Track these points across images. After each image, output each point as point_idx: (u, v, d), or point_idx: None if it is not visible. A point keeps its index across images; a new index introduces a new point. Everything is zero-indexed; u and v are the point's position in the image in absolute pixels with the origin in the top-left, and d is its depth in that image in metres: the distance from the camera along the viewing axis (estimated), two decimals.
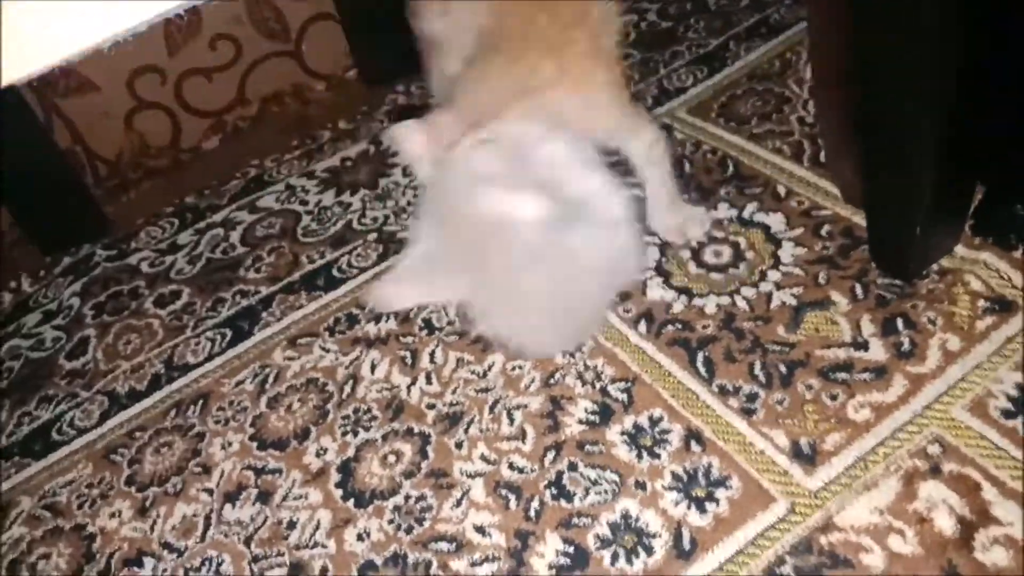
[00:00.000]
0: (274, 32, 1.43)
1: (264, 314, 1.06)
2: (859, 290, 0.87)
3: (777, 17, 1.32)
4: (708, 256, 0.96)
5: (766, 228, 0.97)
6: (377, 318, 1.00)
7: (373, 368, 0.95)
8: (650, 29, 1.39)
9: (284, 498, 0.85)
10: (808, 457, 0.75)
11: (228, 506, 0.86)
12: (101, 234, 1.29)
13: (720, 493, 0.74)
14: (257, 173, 1.33)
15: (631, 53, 1.33)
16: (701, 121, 1.15)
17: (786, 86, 1.17)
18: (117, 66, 1.33)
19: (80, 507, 0.90)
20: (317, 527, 0.81)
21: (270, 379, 0.97)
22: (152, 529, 0.86)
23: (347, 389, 0.93)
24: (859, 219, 0.94)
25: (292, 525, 0.82)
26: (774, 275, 0.91)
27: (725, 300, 0.90)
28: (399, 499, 0.81)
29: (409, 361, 0.95)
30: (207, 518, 0.85)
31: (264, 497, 0.85)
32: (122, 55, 1.31)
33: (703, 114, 1.17)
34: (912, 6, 0.69)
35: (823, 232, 0.94)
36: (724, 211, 1.00)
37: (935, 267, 0.87)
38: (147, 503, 0.89)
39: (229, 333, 1.05)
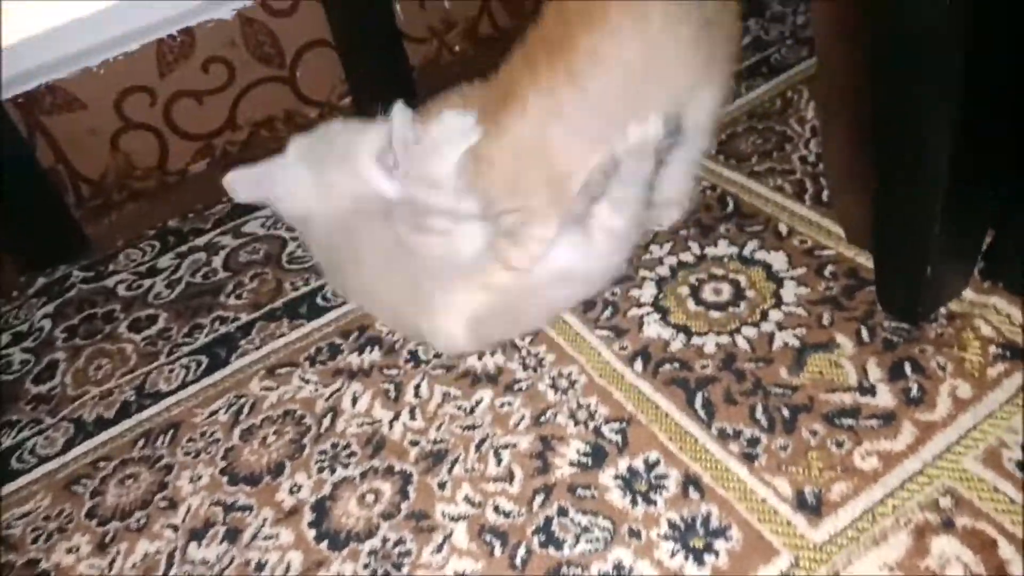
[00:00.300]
0: (268, 57, 1.40)
1: (243, 342, 1.02)
2: (865, 333, 0.83)
3: (778, 56, 1.30)
4: (707, 294, 0.92)
5: (767, 267, 0.93)
6: (361, 348, 0.96)
7: (354, 401, 0.90)
8: None
9: (253, 537, 0.80)
10: (813, 507, 0.70)
11: (194, 544, 0.80)
12: (80, 255, 1.24)
13: (719, 544, 0.69)
14: None
15: None
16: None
17: (787, 125, 1.15)
18: (106, 85, 1.30)
19: (35, 541, 0.85)
20: (287, 570, 0.76)
21: (245, 410, 0.93)
22: (111, 567, 0.80)
23: (326, 422, 0.89)
24: (863, 260, 0.91)
25: (261, 567, 0.77)
26: (776, 315, 0.88)
27: (725, 339, 0.86)
28: (376, 542, 0.76)
29: (392, 394, 0.90)
30: (170, 556, 0.80)
31: (232, 536, 0.80)
32: (111, 74, 1.29)
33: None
34: (930, 45, 0.67)
35: (827, 272, 0.91)
36: (724, 248, 0.97)
37: (943, 311, 0.83)
38: (107, 539, 0.83)
39: (205, 360, 1.00)
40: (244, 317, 1.05)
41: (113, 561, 0.81)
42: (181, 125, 1.37)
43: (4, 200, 1.19)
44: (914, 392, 0.77)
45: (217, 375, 0.98)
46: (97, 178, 1.34)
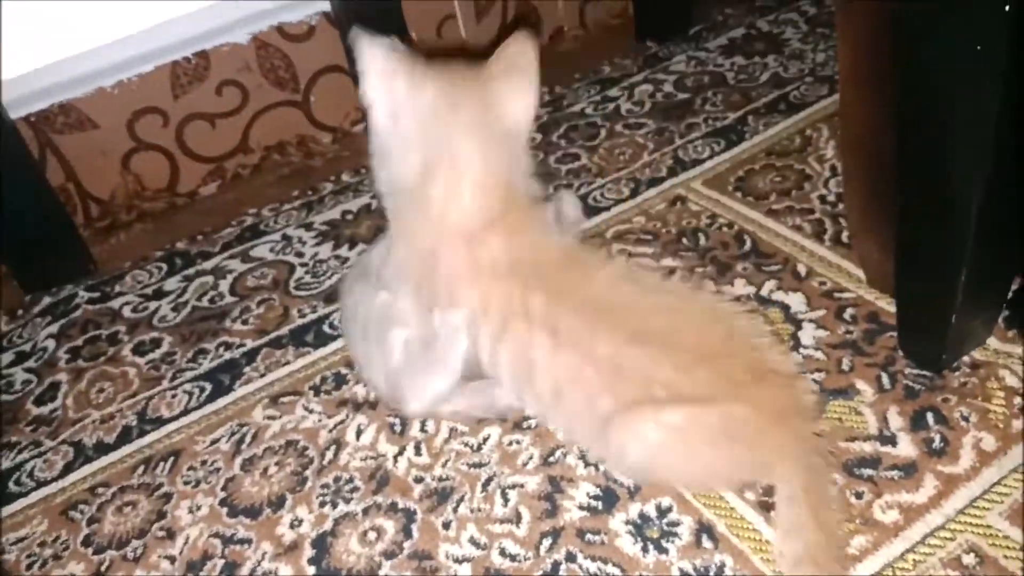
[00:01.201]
0: (283, 81, 1.40)
1: (247, 368, 1.00)
2: (886, 379, 0.81)
3: (797, 94, 1.29)
4: None
5: (786, 308, 0.92)
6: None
7: (359, 434, 0.88)
8: (665, 100, 1.37)
9: (252, 572, 0.77)
10: None
11: None
12: (86, 275, 1.23)
13: None
14: (253, 222, 1.28)
15: (645, 123, 1.31)
16: (717, 194, 1.11)
17: (806, 163, 1.13)
18: (119, 105, 1.29)
19: (29, 567, 0.82)
20: None
21: (247, 439, 0.91)
22: None
23: (329, 455, 0.87)
24: (884, 304, 0.89)
25: None
26: (794, 357, 0.85)
27: None
28: None
29: (398, 428, 0.88)
30: None
31: (230, 569, 0.78)
32: (125, 94, 1.28)
33: (719, 187, 1.13)
34: (959, 90, 0.65)
35: (846, 315, 0.89)
36: (741, 287, 0.95)
37: (967, 359, 0.81)
38: (103, 568, 0.81)
39: (208, 387, 0.98)
40: (249, 343, 1.04)
41: None
42: (193, 147, 1.37)
43: (11, 217, 1.18)
44: (936, 443, 0.75)
45: (220, 402, 0.96)
46: (106, 198, 1.33)
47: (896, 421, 0.77)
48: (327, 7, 1.38)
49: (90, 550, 0.83)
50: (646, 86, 1.41)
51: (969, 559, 0.66)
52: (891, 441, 0.76)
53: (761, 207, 1.07)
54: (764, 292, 0.94)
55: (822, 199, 1.06)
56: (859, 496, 0.72)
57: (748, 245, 1.01)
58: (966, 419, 0.76)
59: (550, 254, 0.81)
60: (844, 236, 0.99)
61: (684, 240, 1.05)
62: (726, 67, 1.42)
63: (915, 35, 0.66)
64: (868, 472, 0.74)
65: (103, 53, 1.26)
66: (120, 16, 1.25)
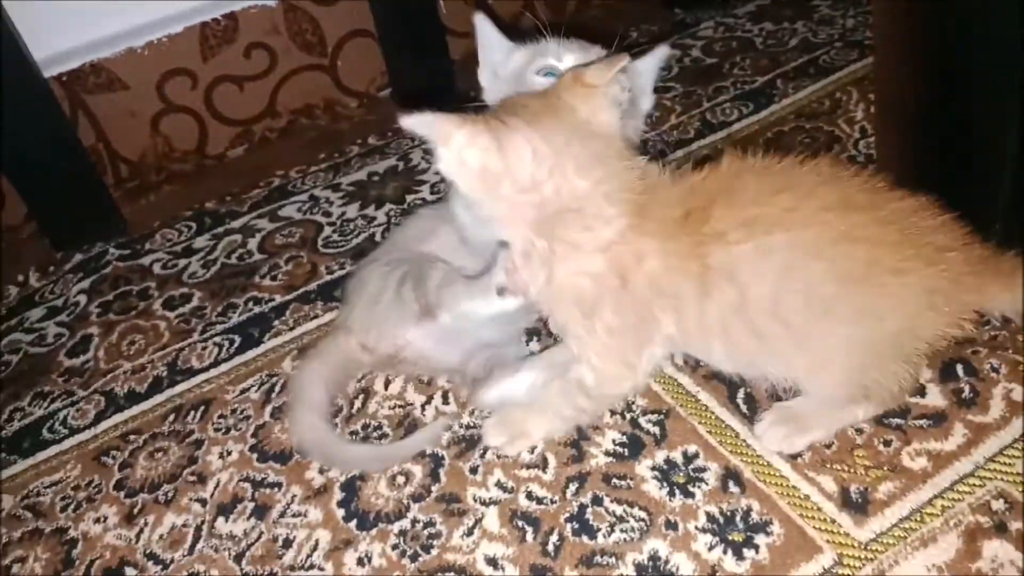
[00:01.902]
0: (310, 45, 1.40)
1: (276, 322, 1.01)
2: None
3: (827, 58, 1.28)
4: None
5: None
6: None
7: (387, 384, 0.89)
8: (693, 65, 1.36)
9: (282, 514, 0.78)
10: (858, 505, 0.68)
11: (221, 519, 0.79)
12: (116, 234, 1.24)
13: (760, 539, 0.67)
14: (281, 183, 1.29)
15: (672, 86, 1.30)
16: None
17: (836, 125, 1.13)
18: (149, 67, 1.30)
19: (64, 510, 0.84)
20: (315, 547, 0.75)
21: (276, 389, 0.92)
22: (138, 538, 0.80)
23: (357, 404, 0.88)
24: None
25: (288, 543, 0.76)
26: None
27: None
28: (405, 523, 0.75)
29: (425, 378, 0.89)
30: (198, 530, 0.79)
31: (260, 512, 0.79)
32: (155, 55, 1.29)
33: (748, 149, 1.12)
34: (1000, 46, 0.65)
35: None
36: None
37: (996, 313, 0.80)
38: (135, 510, 0.82)
39: (238, 340, 1.00)
40: (278, 299, 1.05)
41: (140, 532, 0.80)
42: (221, 110, 1.38)
43: (43, 176, 1.19)
44: (966, 393, 0.74)
45: (249, 354, 0.97)
46: (136, 159, 1.35)
47: (925, 373, 0.77)
48: None
49: (122, 493, 0.84)
50: (674, 51, 1.40)
51: (998, 504, 0.66)
52: (920, 392, 0.75)
53: None
54: None
55: (852, 160, 1.05)
56: (887, 444, 0.72)
57: None
58: (996, 370, 0.76)
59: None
60: None
61: None
62: (755, 32, 1.41)
63: None
64: (897, 421, 0.73)
65: (133, 12, 1.27)
66: None
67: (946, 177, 0.75)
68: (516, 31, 0.94)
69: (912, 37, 0.77)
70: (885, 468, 0.70)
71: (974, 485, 0.68)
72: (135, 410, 0.94)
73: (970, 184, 0.73)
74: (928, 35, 0.71)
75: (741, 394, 0.79)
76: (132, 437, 0.91)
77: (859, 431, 0.73)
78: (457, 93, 1.42)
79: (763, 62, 1.32)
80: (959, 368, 0.77)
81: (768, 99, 1.22)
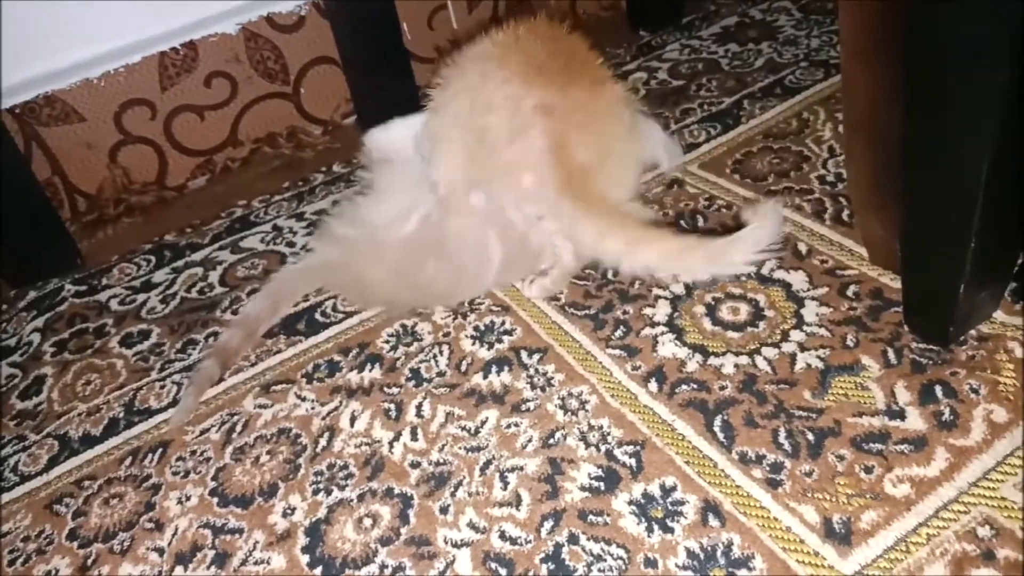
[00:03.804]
0: (272, 73, 1.38)
1: (237, 358, 0.97)
2: (892, 355, 0.79)
3: (793, 78, 1.28)
4: (724, 313, 0.88)
5: (787, 286, 0.90)
6: (360, 366, 0.92)
7: (353, 420, 0.86)
8: (660, 87, 1.35)
9: (243, 562, 0.75)
10: (842, 536, 0.66)
11: (179, 568, 0.75)
12: (73, 269, 1.21)
13: (742, 574, 0.65)
14: (243, 213, 1.26)
15: (641, 110, 1.29)
16: (715, 176, 1.10)
17: (804, 145, 1.12)
18: (105, 97, 1.27)
19: (12, 563, 0.80)
20: None
21: (238, 428, 0.88)
22: None
23: (322, 442, 0.84)
24: (888, 280, 0.87)
25: None
26: (797, 335, 0.84)
27: (744, 360, 0.82)
28: (373, 569, 0.71)
29: (393, 414, 0.86)
30: None
31: (221, 560, 0.75)
32: (112, 86, 1.26)
33: (717, 170, 1.11)
34: (968, 62, 0.64)
35: (849, 292, 0.87)
36: (741, 268, 0.93)
37: (973, 333, 0.79)
38: (88, 561, 0.78)
39: None
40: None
41: None
42: (181, 140, 1.35)
43: None
44: (946, 416, 0.73)
45: (210, 392, 0.93)
46: (94, 192, 1.31)
47: (904, 395, 0.75)
48: None
49: (75, 544, 0.80)
50: (640, 74, 1.39)
51: (984, 531, 0.64)
52: (900, 415, 0.74)
53: (759, 188, 1.05)
54: (764, 271, 0.92)
55: (821, 179, 1.04)
56: (869, 471, 0.70)
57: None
58: (976, 391, 0.74)
59: None
60: (845, 215, 0.97)
61: (682, 222, 1.03)
62: (720, 54, 1.41)
63: (923, 8, 0.65)
64: (877, 447, 0.71)
65: (88, 43, 1.24)
66: (106, 6, 1.23)
67: (917, 195, 0.73)
68: None
69: (881, 53, 0.77)
70: (867, 496, 0.68)
71: (959, 511, 0.66)
72: (90, 454, 0.90)
73: (942, 203, 0.72)
74: (898, 51, 0.70)
75: (718, 422, 0.77)
76: (86, 483, 0.86)
77: (840, 458, 0.71)
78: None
79: (729, 83, 1.31)
80: (938, 390, 0.75)
81: (735, 120, 1.21)
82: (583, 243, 0.88)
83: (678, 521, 0.70)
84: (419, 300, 0.97)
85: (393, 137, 1.06)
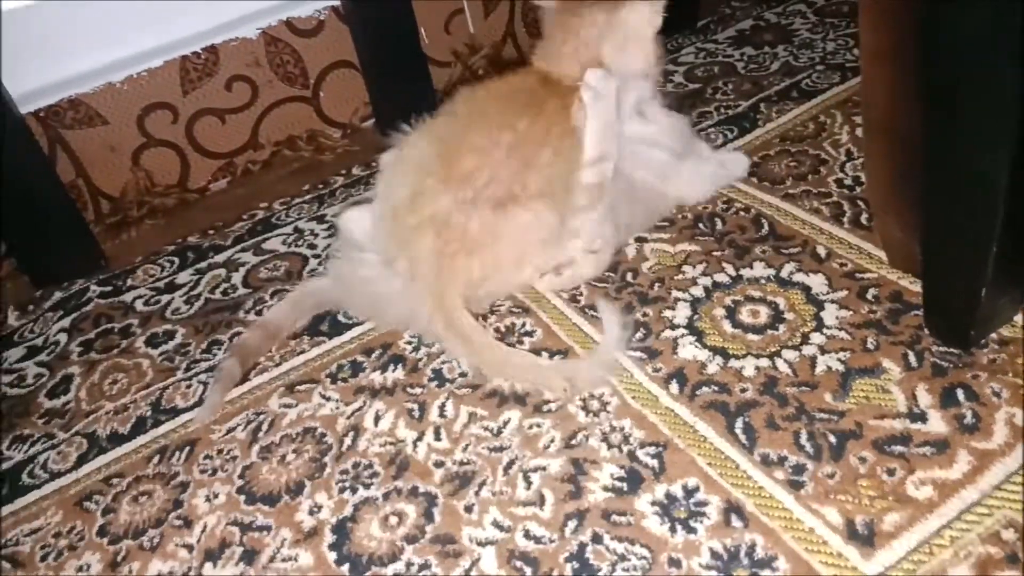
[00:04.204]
0: (292, 77, 1.40)
1: (262, 358, 0.98)
2: (912, 358, 0.80)
3: (809, 82, 1.29)
4: (745, 315, 0.89)
5: (807, 289, 0.90)
6: (384, 366, 0.93)
7: (377, 420, 0.87)
8: (676, 90, 1.36)
9: (271, 559, 0.76)
10: (865, 538, 0.66)
11: (208, 565, 0.77)
12: (97, 270, 1.22)
13: (765, 574, 0.66)
14: (265, 215, 1.27)
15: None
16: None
17: (822, 148, 1.12)
18: (128, 101, 1.29)
19: (44, 559, 0.81)
20: None
21: (264, 427, 0.89)
22: None
23: (347, 441, 0.85)
24: (908, 283, 0.88)
25: None
26: (817, 338, 0.84)
27: (765, 362, 0.83)
28: (399, 566, 0.73)
29: (416, 414, 0.87)
30: None
31: (249, 557, 0.77)
32: (134, 90, 1.28)
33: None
34: (986, 63, 0.64)
35: (869, 295, 0.88)
36: (760, 270, 0.94)
37: (994, 336, 0.80)
38: (119, 558, 0.79)
39: None
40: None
41: None
42: (203, 143, 1.36)
43: (22, 213, 1.17)
44: (968, 419, 0.73)
45: (235, 392, 0.95)
46: (117, 194, 1.33)
47: (925, 398, 0.76)
48: (336, 1, 1.37)
49: (105, 540, 0.82)
50: None
51: (1009, 534, 0.65)
52: (921, 418, 0.74)
53: (777, 191, 1.06)
54: (784, 274, 0.93)
55: (839, 182, 1.05)
56: (891, 473, 0.70)
57: (766, 228, 1.00)
58: (997, 395, 0.75)
59: None
60: (864, 218, 0.98)
61: (700, 225, 1.04)
62: (736, 57, 1.41)
63: (942, 9, 0.65)
64: (899, 449, 0.72)
65: (112, 48, 1.25)
66: (128, 10, 1.24)
67: (937, 198, 0.74)
68: None
69: (900, 55, 0.77)
70: (890, 498, 0.69)
71: (982, 514, 0.66)
72: (118, 452, 0.91)
73: (963, 206, 0.73)
74: (917, 52, 0.70)
75: (740, 424, 0.78)
76: (115, 480, 0.88)
77: (862, 460, 0.72)
78: None
79: (746, 86, 1.32)
80: (959, 393, 0.76)
81: (752, 123, 1.22)
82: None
83: (701, 522, 0.70)
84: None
85: (358, 219, 1.04)
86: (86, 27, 1.24)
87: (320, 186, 1.32)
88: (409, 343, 0.96)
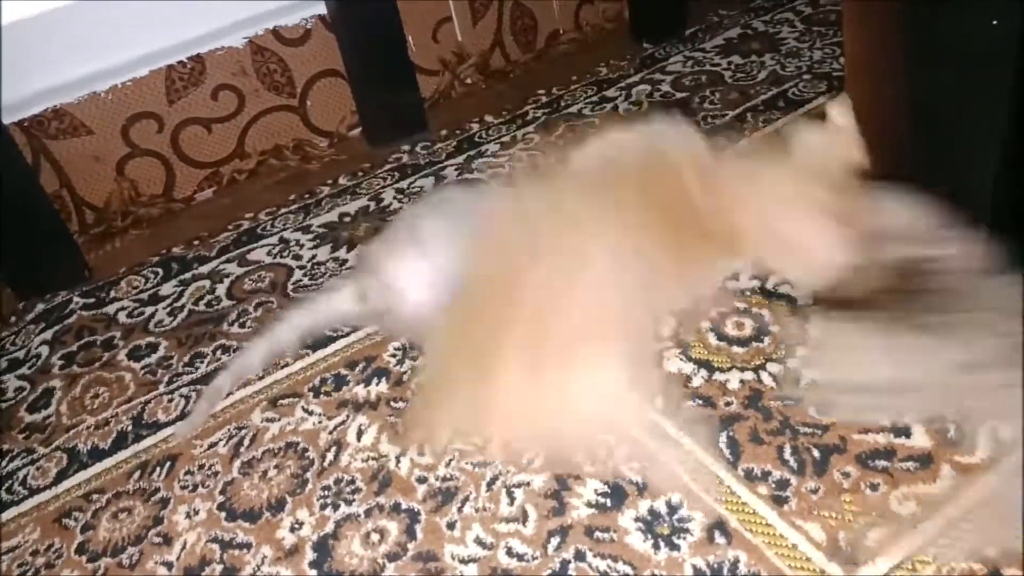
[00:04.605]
0: (278, 86, 1.39)
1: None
2: None
3: (796, 91, 1.29)
4: (729, 328, 0.89)
5: (792, 300, 0.90)
6: (367, 380, 0.92)
7: (360, 434, 0.86)
8: (664, 99, 1.36)
9: None
10: (848, 555, 0.66)
11: None
12: (81, 282, 1.21)
13: None
14: (250, 226, 1.26)
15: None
16: None
17: None
18: (113, 111, 1.28)
19: None
20: None
21: (246, 442, 0.89)
22: None
23: (329, 456, 0.85)
24: None
25: None
26: (803, 351, 0.84)
27: (749, 376, 0.83)
28: None
29: (400, 429, 0.86)
30: None
31: (229, 574, 0.76)
32: (119, 100, 1.27)
33: None
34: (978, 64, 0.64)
35: None
36: (745, 281, 0.94)
37: None
38: (98, 575, 0.79)
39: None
40: (247, 346, 1.02)
41: None
42: (188, 152, 1.35)
43: (4, 224, 1.16)
44: (951, 433, 0.73)
45: (217, 405, 0.94)
46: (101, 204, 1.32)
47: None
48: (323, 10, 1.37)
49: (84, 558, 0.81)
50: (643, 86, 1.40)
51: (991, 551, 0.64)
52: (904, 432, 0.74)
53: None
54: (769, 285, 0.93)
55: None
56: (874, 488, 0.70)
57: None
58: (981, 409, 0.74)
59: None
60: None
61: None
62: (723, 66, 1.41)
63: (930, 13, 0.65)
64: (883, 464, 0.72)
65: (96, 57, 1.24)
66: (113, 19, 1.24)
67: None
68: None
69: (883, 63, 0.77)
70: (873, 514, 0.68)
71: (965, 530, 0.66)
72: (98, 467, 0.90)
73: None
74: (899, 60, 0.70)
75: (724, 438, 0.77)
76: (95, 496, 0.87)
77: (846, 475, 0.72)
78: (428, 132, 1.41)
79: (733, 96, 1.32)
80: None
81: (739, 133, 1.22)
82: None
83: (684, 538, 0.70)
84: None
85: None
86: (70, 37, 1.23)
87: (306, 196, 1.31)
88: (393, 355, 0.95)
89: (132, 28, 1.26)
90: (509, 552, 0.72)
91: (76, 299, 1.18)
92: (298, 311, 0.98)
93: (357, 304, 0.95)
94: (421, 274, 0.89)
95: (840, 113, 0.82)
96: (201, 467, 0.87)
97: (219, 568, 0.77)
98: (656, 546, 0.70)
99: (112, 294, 1.17)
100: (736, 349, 0.86)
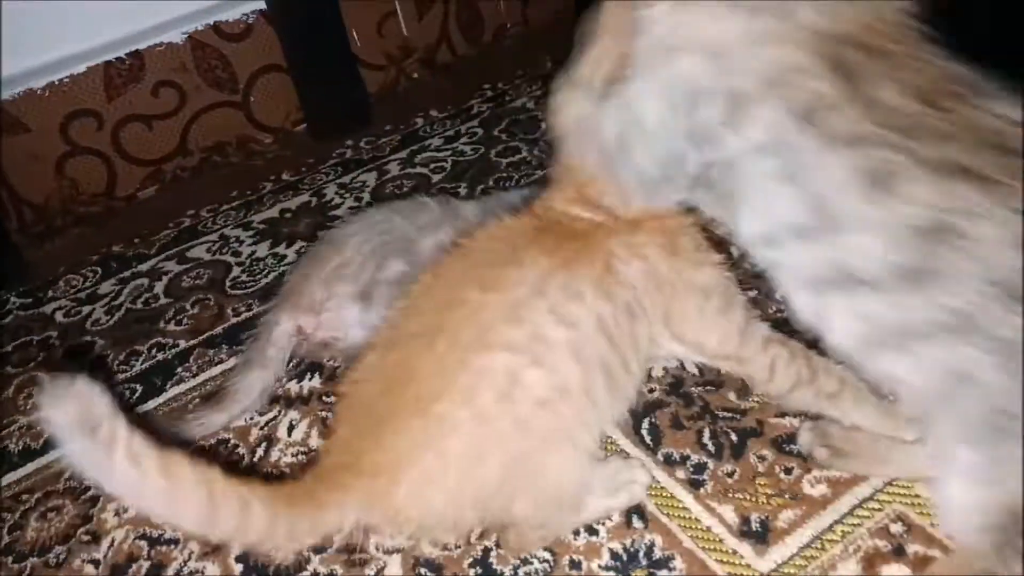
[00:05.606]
0: (221, 82, 1.38)
1: (179, 369, 0.98)
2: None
3: None
4: None
5: None
6: (300, 375, 0.92)
7: (290, 429, 0.87)
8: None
9: (178, 572, 0.75)
10: (759, 535, 0.67)
11: None
12: (19, 281, 1.20)
13: (662, 574, 0.66)
14: (191, 223, 1.26)
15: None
16: None
17: None
18: (51, 108, 1.27)
19: None
20: None
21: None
22: None
23: (259, 452, 0.85)
24: None
25: None
26: None
27: (672, 363, 0.84)
28: None
29: (331, 422, 0.86)
30: None
31: (156, 570, 0.76)
32: (56, 97, 1.26)
33: None
34: None
35: (778, 295, 0.89)
36: None
37: None
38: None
39: (140, 388, 0.96)
40: (183, 344, 1.01)
41: None
42: (130, 150, 1.34)
43: None
44: None
45: (151, 403, 0.94)
46: (40, 203, 1.30)
47: None
48: (263, 5, 1.36)
49: (10, 559, 0.80)
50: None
51: (897, 528, 0.66)
52: (820, 416, 0.75)
53: None
54: None
55: None
56: (788, 471, 0.72)
57: None
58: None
59: None
60: None
61: None
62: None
63: None
64: (797, 448, 0.73)
65: (31, 53, 1.23)
66: (48, 16, 1.22)
67: None
68: None
69: None
70: (786, 496, 0.70)
71: (873, 509, 0.68)
72: (29, 468, 0.90)
73: None
74: None
75: (646, 425, 0.78)
76: (24, 497, 0.86)
77: (761, 458, 0.73)
78: (374, 126, 1.41)
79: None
80: None
81: None
82: None
83: (603, 523, 0.71)
84: None
85: None
86: (5, 33, 1.21)
87: (249, 192, 1.31)
88: None
89: (69, 24, 1.25)
90: (432, 542, 0.72)
91: (13, 299, 1.17)
92: (253, 371, 0.90)
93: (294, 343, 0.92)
94: (353, 314, 0.89)
95: None
96: None
97: (146, 564, 0.77)
98: (576, 532, 0.71)
99: (50, 293, 1.16)
100: None
